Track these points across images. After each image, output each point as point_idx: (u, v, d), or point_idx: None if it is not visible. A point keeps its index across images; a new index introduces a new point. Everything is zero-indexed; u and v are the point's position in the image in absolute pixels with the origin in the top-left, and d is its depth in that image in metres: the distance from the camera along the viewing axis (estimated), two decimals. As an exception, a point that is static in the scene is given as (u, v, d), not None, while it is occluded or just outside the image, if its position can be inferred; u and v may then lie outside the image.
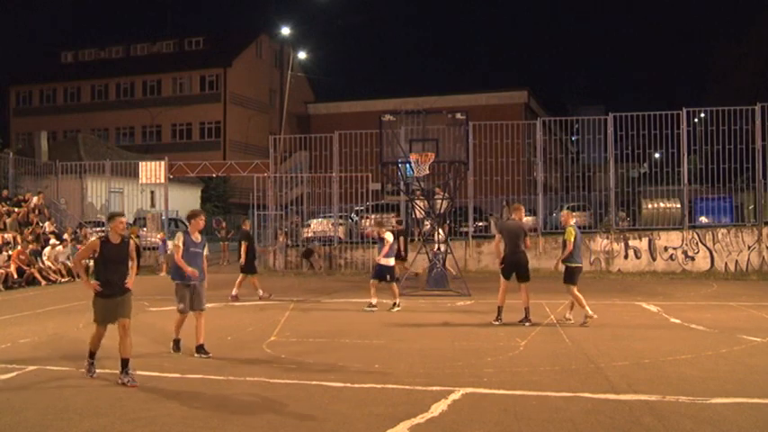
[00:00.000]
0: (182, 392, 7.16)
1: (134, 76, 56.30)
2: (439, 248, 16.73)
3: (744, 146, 20.75)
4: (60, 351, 9.46)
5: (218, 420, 6.15)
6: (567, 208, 24.59)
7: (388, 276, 13.45)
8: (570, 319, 11.37)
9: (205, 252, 9.40)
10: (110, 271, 7.76)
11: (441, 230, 17.09)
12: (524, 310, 11.39)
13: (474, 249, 22.14)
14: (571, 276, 11.31)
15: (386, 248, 13.33)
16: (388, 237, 13.45)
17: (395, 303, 13.40)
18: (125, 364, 7.55)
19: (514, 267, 11.53)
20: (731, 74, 50.18)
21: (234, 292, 15.12)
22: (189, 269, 8.90)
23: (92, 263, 8.45)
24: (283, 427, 6.02)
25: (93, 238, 8.27)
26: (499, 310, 11.47)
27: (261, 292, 15.32)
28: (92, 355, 7.87)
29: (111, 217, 8.04)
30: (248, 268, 15.33)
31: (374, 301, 13.45)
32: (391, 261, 13.59)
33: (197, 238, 9.23)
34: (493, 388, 7.12)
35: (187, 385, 7.47)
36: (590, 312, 11.16)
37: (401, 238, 16.72)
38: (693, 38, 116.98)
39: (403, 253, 16.82)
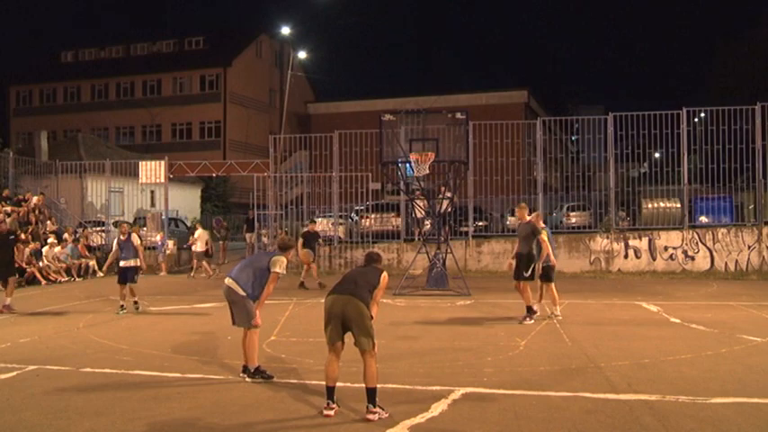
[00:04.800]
0: (182, 392, 7.16)
1: (134, 76, 56.31)
2: (439, 248, 16.74)
3: (744, 145, 20.73)
4: (60, 351, 9.46)
5: (218, 420, 6.15)
6: (568, 208, 24.64)
7: (127, 278, 13.46)
8: (558, 315, 11.67)
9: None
10: None
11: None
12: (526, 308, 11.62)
13: (474, 249, 22.13)
14: (548, 275, 11.79)
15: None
16: (135, 239, 13.75)
17: (134, 302, 13.57)
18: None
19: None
20: (731, 73, 50.18)
21: (8, 301, 13.73)
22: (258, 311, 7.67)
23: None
24: (283, 426, 6.02)
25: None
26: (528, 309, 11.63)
27: (8, 300, 13.73)
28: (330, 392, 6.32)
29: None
30: (10, 272, 14.23)
31: (124, 303, 13.46)
32: (132, 263, 13.54)
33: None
34: (493, 388, 7.12)
35: (188, 385, 7.47)
36: (558, 312, 11.73)
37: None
38: (694, 37, 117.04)
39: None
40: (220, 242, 26.81)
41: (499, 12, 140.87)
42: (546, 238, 11.72)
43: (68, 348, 9.63)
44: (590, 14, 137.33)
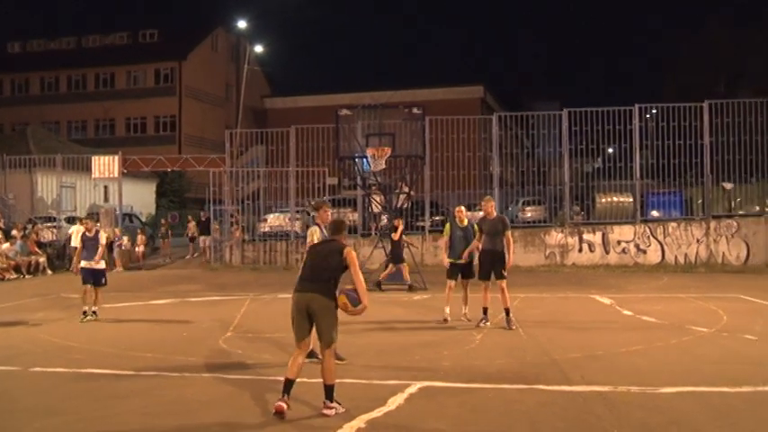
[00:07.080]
0: (137, 390, 7.04)
1: (86, 69, 55.03)
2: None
3: (693, 142, 21.28)
4: (8, 350, 9.20)
5: (173, 417, 6.08)
6: (523, 203, 24.78)
7: (95, 280, 11.79)
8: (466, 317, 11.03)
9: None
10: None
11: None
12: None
13: (431, 243, 22.25)
14: (471, 271, 11.11)
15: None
16: (103, 238, 12.17)
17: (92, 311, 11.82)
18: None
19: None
20: (683, 72, 51.18)
21: None
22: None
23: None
24: (239, 422, 5.97)
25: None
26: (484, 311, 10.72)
27: None
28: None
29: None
30: None
31: (87, 308, 11.76)
32: (102, 264, 12.04)
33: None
34: (449, 381, 7.17)
35: (143, 383, 7.35)
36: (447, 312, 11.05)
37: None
38: (648, 35, 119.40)
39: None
40: (162, 239, 26.64)
41: (456, 7, 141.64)
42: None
43: (17, 348, 9.37)
44: (546, 10, 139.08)
